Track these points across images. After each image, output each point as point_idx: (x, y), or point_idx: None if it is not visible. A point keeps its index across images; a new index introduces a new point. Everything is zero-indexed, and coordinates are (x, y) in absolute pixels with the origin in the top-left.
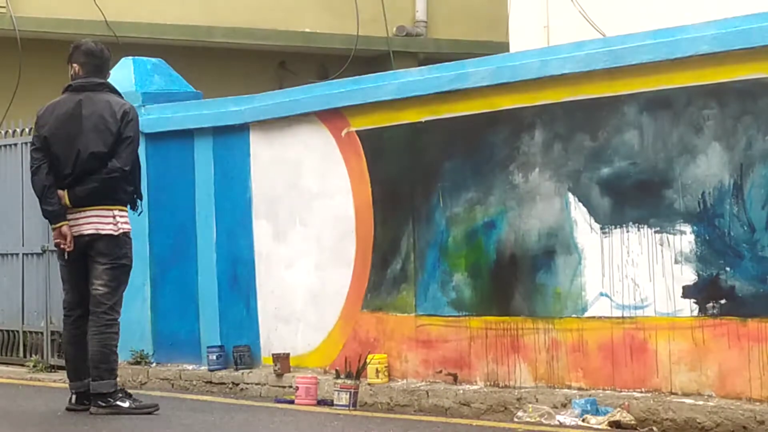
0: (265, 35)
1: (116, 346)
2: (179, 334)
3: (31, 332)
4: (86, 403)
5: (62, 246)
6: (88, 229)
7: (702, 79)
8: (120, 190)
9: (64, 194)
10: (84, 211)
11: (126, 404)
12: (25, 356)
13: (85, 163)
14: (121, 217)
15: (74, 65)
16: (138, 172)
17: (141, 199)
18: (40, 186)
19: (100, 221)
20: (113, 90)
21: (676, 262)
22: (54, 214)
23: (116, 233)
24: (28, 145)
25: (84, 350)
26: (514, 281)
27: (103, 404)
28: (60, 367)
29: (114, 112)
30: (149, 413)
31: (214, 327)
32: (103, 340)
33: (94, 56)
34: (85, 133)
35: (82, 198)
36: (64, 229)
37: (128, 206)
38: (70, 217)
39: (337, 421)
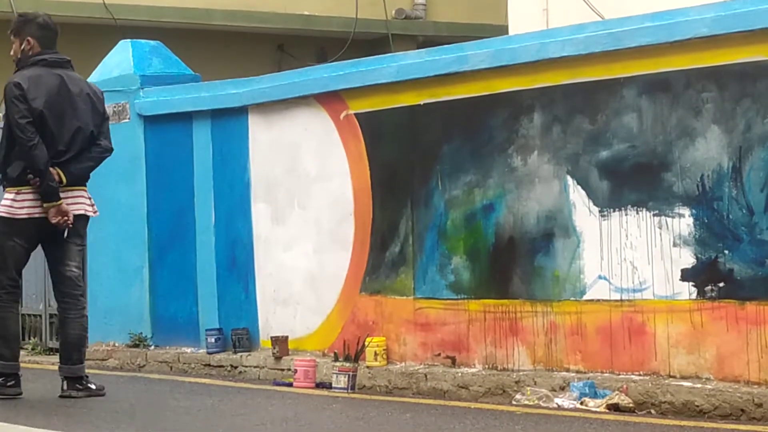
0: (263, 18)
1: None
2: (178, 316)
3: (29, 315)
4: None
5: (68, 222)
6: (77, 210)
7: (701, 62)
8: (91, 171)
9: (57, 171)
10: (73, 190)
11: (93, 386)
12: (23, 339)
13: (83, 141)
14: (90, 198)
15: (29, 39)
16: None
17: None
18: (45, 161)
19: (85, 202)
20: (73, 68)
21: (675, 245)
22: (55, 191)
23: (94, 215)
24: None
25: None
26: (513, 264)
27: (81, 387)
28: (59, 350)
29: (95, 91)
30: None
31: (212, 310)
32: (83, 324)
33: (49, 29)
34: (81, 111)
35: (76, 177)
36: (64, 206)
37: None
38: (62, 195)
39: (336, 403)
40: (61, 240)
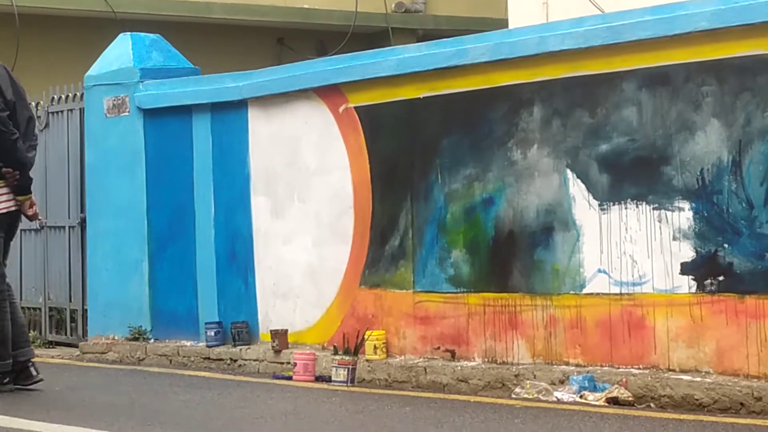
0: (263, 11)
1: None
2: (177, 310)
3: (29, 308)
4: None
5: (38, 214)
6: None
7: (701, 56)
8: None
9: None
10: None
11: None
12: None
13: (32, 131)
14: None
15: None
16: None
17: None
18: (26, 153)
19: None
20: None
21: (675, 238)
22: (30, 184)
23: None
24: None
25: None
26: (513, 258)
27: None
28: (58, 343)
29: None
30: None
31: (212, 303)
32: (19, 307)
33: None
34: (26, 101)
35: (30, 167)
36: (33, 198)
37: None
38: None
39: (335, 397)
40: (9, 235)
